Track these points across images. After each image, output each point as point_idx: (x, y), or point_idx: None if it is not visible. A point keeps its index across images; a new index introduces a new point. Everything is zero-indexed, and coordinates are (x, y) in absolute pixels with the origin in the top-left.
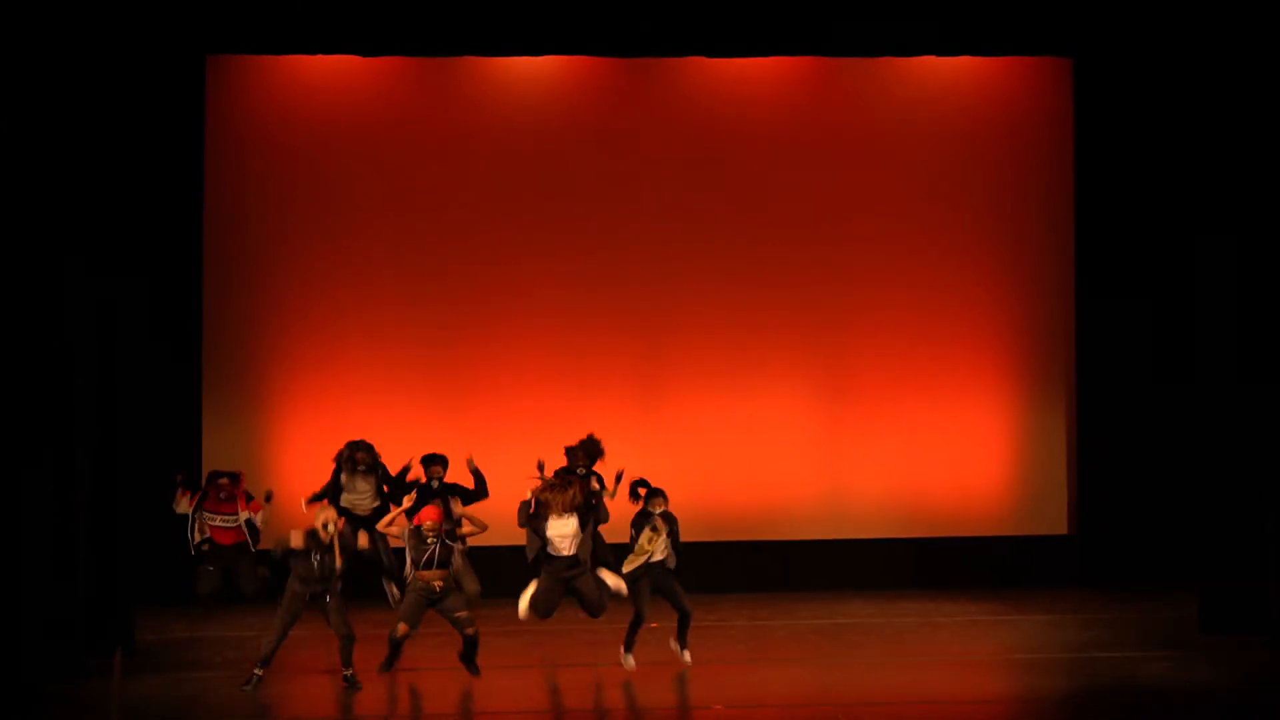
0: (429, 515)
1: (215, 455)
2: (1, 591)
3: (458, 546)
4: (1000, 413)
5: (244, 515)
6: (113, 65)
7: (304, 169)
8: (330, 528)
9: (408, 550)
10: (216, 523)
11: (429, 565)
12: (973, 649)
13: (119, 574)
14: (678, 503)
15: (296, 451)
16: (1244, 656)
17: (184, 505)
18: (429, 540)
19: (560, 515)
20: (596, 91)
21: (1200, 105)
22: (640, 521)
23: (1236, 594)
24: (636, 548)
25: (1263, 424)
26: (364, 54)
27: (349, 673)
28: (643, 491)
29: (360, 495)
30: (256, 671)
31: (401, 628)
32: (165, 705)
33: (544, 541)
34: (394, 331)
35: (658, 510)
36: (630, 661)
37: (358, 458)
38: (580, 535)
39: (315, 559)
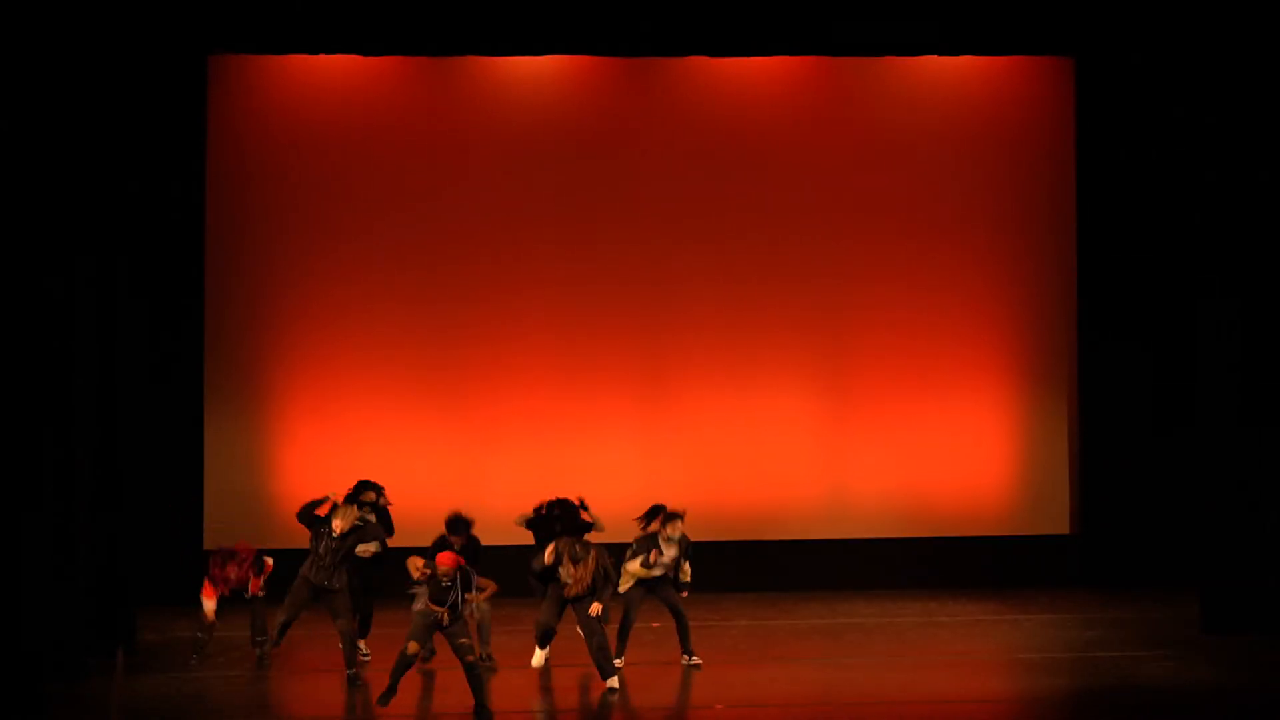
0: (446, 561)
1: (217, 454)
2: (2, 591)
3: (473, 603)
4: (1002, 413)
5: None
6: (115, 66)
7: (305, 168)
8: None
9: (425, 587)
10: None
11: (442, 604)
12: (974, 648)
13: (120, 574)
14: (679, 502)
15: (297, 450)
16: (1245, 656)
17: (210, 606)
18: (445, 584)
19: (574, 569)
20: (597, 91)
21: (1202, 103)
22: (647, 542)
23: (1238, 594)
24: (630, 570)
25: (1264, 424)
26: (364, 54)
27: (351, 671)
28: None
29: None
30: (264, 649)
31: (412, 646)
32: (166, 705)
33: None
34: (395, 330)
35: (675, 535)
36: (618, 663)
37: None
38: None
39: (324, 544)
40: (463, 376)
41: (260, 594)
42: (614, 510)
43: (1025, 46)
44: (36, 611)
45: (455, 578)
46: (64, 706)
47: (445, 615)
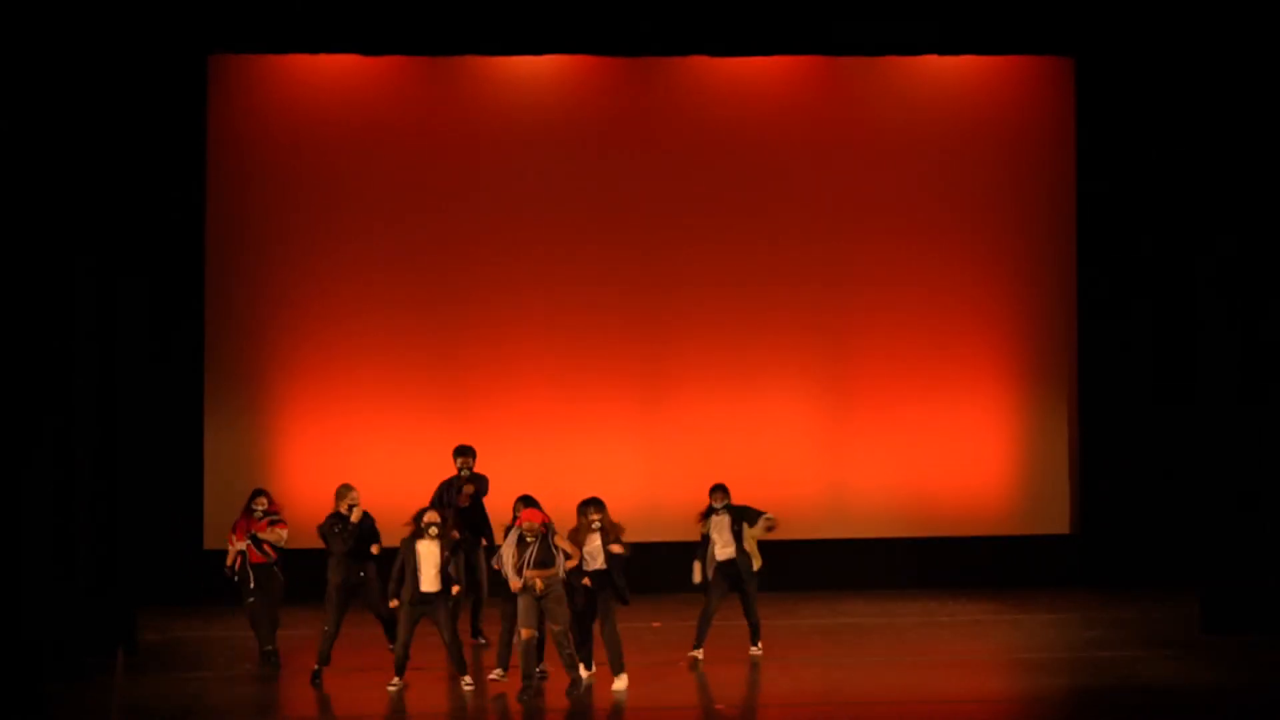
0: (530, 517)
1: (217, 454)
2: (2, 591)
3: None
4: (1002, 413)
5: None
6: (115, 66)
7: (305, 168)
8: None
9: (508, 557)
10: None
11: (529, 566)
12: (974, 648)
13: (120, 574)
14: (679, 503)
15: (298, 450)
16: (1245, 656)
17: (236, 544)
18: (529, 540)
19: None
20: (598, 91)
21: (1201, 104)
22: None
23: (1238, 594)
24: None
25: (1264, 424)
26: (364, 54)
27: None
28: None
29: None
30: (272, 658)
31: (525, 633)
32: (166, 705)
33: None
34: (395, 330)
35: (720, 504)
36: (699, 654)
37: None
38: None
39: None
40: (463, 377)
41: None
42: (614, 510)
43: (1025, 46)
44: (36, 611)
45: (538, 536)
46: (64, 706)
47: (539, 581)
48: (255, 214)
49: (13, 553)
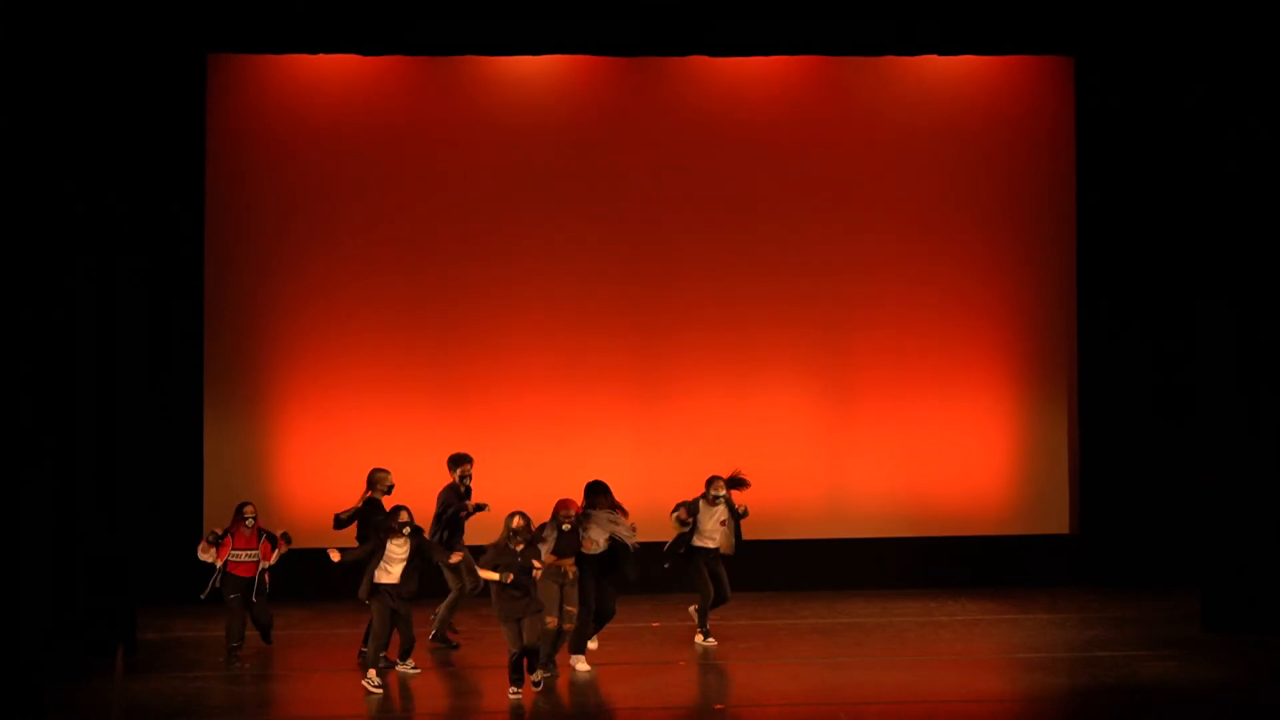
0: (573, 505)
1: (217, 454)
2: (2, 592)
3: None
4: (1002, 412)
5: (263, 562)
6: (115, 64)
7: (305, 168)
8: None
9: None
10: (242, 558)
11: (559, 553)
12: (974, 648)
13: (120, 574)
14: (677, 501)
15: (297, 450)
16: (1246, 656)
17: (210, 555)
18: (565, 528)
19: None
20: (597, 90)
21: (1201, 103)
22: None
23: (1239, 593)
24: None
25: (1264, 422)
26: (364, 54)
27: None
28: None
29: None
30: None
31: (552, 621)
32: (166, 705)
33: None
34: (395, 330)
35: (720, 492)
36: (710, 641)
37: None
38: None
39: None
40: (462, 375)
41: (268, 565)
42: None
43: (1025, 46)
44: (36, 611)
45: (575, 522)
46: (64, 706)
47: (571, 570)
48: (255, 214)
49: (13, 553)
